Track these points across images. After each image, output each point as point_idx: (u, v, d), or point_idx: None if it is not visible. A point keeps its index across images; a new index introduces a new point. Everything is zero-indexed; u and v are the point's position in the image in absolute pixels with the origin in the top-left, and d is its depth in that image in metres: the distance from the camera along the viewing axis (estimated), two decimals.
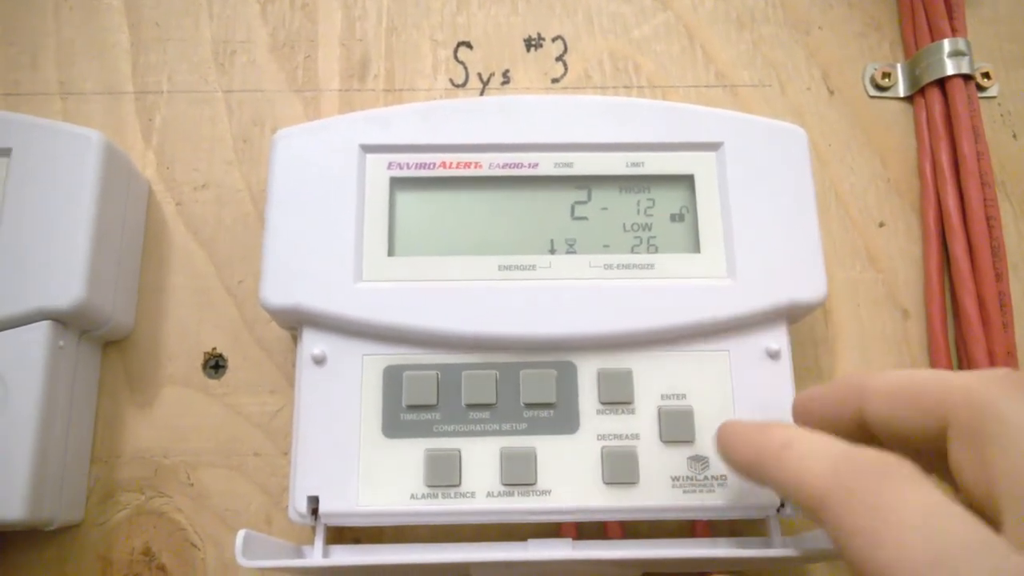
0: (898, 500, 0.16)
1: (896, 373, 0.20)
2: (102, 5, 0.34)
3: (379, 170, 0.28)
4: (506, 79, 0.34)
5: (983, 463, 0.17)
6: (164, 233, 0.31)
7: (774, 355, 0.26)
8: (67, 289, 0.26)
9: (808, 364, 0.30)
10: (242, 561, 0.20)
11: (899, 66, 0.34)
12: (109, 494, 0.28)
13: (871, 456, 0.18)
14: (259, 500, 0.29)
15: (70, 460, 0.27)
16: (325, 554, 0.25)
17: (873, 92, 0.34)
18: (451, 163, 0.28)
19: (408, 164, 0.28)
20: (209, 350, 0.30)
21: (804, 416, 0.22)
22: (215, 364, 0.30)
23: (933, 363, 0.30)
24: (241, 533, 0.20)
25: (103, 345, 0.30)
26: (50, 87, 0.33)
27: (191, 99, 0.33)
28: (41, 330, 0.26)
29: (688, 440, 0.25)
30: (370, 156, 0.28)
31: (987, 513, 0.17)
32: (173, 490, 0.29)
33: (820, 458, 0.18)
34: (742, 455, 0.21)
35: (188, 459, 0.29)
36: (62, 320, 0.26)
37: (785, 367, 0.26)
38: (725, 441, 0.23)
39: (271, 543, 0.23)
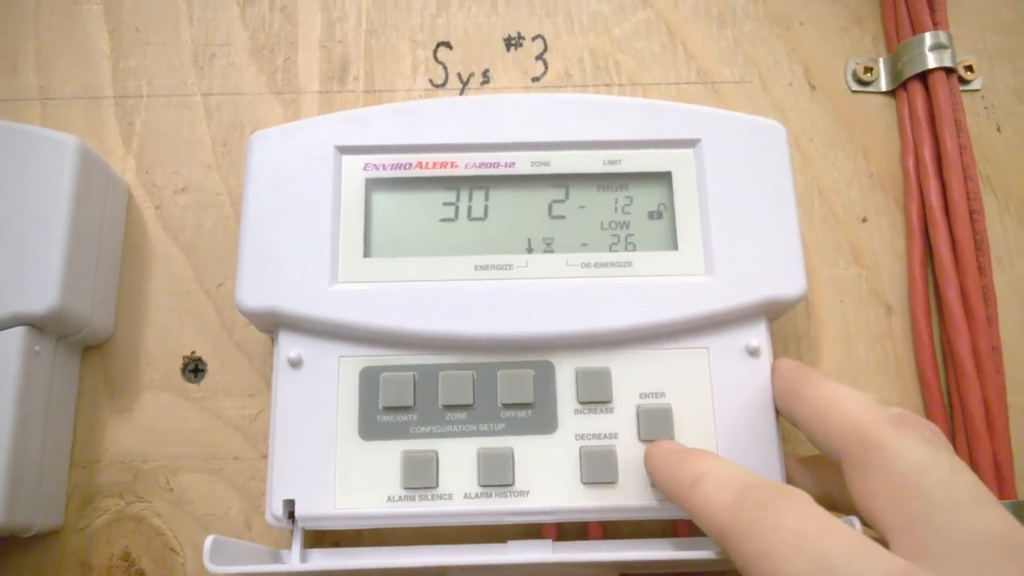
0: (788, 524, 0.18)
1: (823, 389, 0.22)
2: (82, 10, 0.34)
3: (355, 171, 0.28)
4: (486, 79, 0.34)
5: (867, 487, 0.19)
6: (144, 237, 0.31)
7: (754, 352, 0.26)
8: (42, 294, 0.26)
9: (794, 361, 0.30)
10: (210, 567, 0.20)
11: (881, 60, 0.34)
12: (88, 499, 0.28)
13: (766, 487, 0.20)
14: (239, 504, 0.28)
15: (48, 466, 0.27)
16: (303, 558, 0.25)
17: (855, 87, 0.34)
18: (427, 163, 0.28)
19: (384, 165, 0.28)
20: (188, 354, 0.30)
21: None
22: (194, 368, 0.30)
23: (918, 358, 0.30)
24: (209, 539, 0.20)
25: (82, 350, 0.30)
26: (30, 92, 0.33)
27: (171, 103, 0.33)
28: (16, 336, 0.26)
29: (667, 439, 0.25)
30: (346, 157, 0.28)
31: (878, 532, 0.19)
32: (153, 495, 0.28)
33: (723, 494, 0.20)
34: (661, 485, 0.24)
35: (168, 464, 0.29)
36: (37, 325, 0.26)
37: (765, 364, 0.26)
38: (648, 467, 0.24)
39: (245, 548, 0.23)
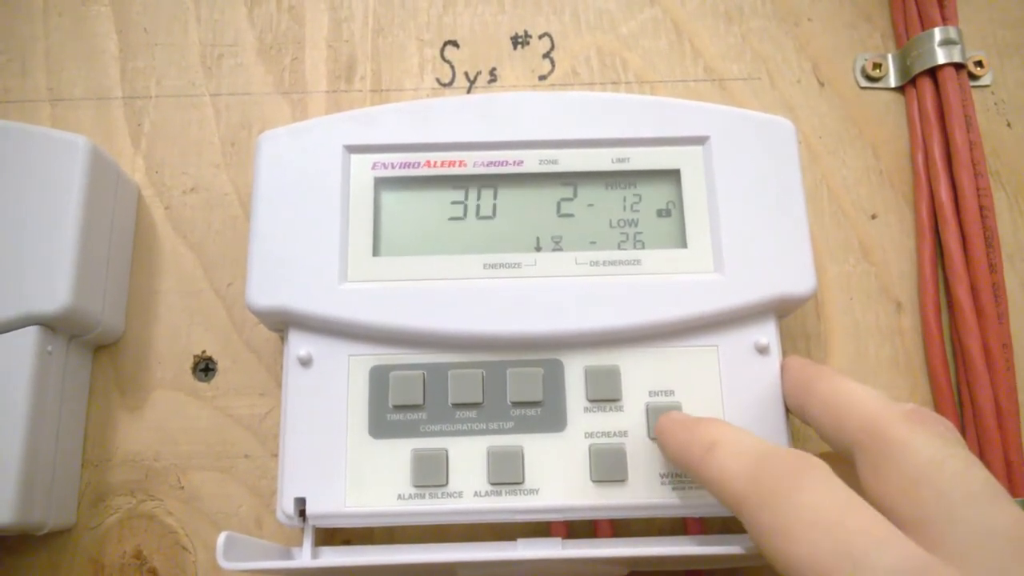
0: (808, 500, 0.18)
1: (835, 385, 0.22)
2: (91, 11, 0.34)
3: (364, 170, 0.28)
4: (493, 77, 0.34)
5: (881, 483, 0.19)
6: (153, 237, 0.32)
7: (763, 350, 0.26)
8: (54, 294, 0.26)
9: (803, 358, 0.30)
10: (223, 563, 0.20)
11: (890, 56, 0.34)
12: (100, 498, 0.29)
13: (786, 458, 0.19)
14: (249, 502, 0.29)
15: (61, 464, 0.27)
16: (314, 555, 0.25)
17: (864, 83, 0.34)
18: (436, 162, 0.28)
19: (393, 164, 0.28)
20: (199, 353, 0.30)
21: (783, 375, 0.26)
22: (205, 367, 0.30)
23: (928, 355, 0.30)
24: (222, 535, 0.20)
25: (93, 349, 0.30)
26: (39, 93, 0.33)
27: (179, 103, 0.33)
28: (29, 335, 0.26)
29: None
30: (355, 156, 0.28)
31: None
32: (164, 493, 0.29)
33: (740, 461, 0.20)
34: (672, 453, 0.23)
35: (179, 462, 0.29)
36: (50, 325, 0.26)
37: (774, 362, 0.26)
38: (659, 436, 0.24)
39: (257, 545, 0.23)
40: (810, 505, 0.18)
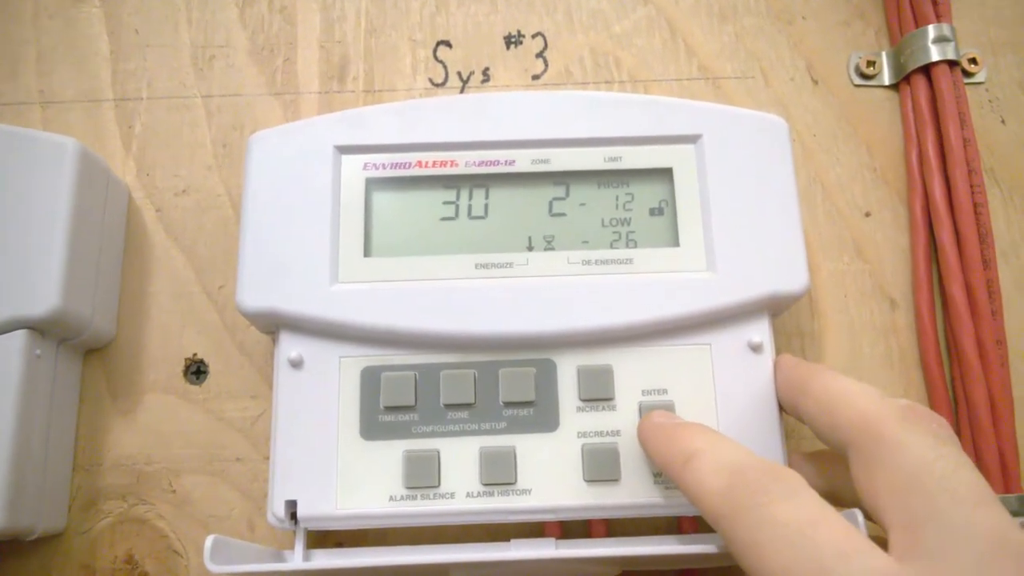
0: (779, 514, 0.18)
1: (829, 383, 0.22)
2: (81, 13, 0.34)
3: (355, 171, 0.27)
4: (486, 77, 0.34)
5: (872, 481, 0.19)
6: (144, 239, 0.31)
7: (756, 348, 0.26)
8: (42, 297, 0.26)
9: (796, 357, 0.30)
10: (211, 567, 0.20)
11: (884, 54, 0.33)
12: (91, 502, 0.28)
13: (758, 471, 0.19)
14: (241, 505, 0.28)
15: (51, 468, 0.27)
16: (305, 558, 0.25)
17: (858, 81, 0.33)
18: (427, 162, 0.28)
19: (384, 164, 0.28)
20: (190, 356, 0.30)
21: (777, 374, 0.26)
22: (196, 370, 0.30)
23: (922, 353, 0.30)
24: (209, 539, 0.20)
25: (84, 353, 0.30)
26: (30, 96, 0.33)
27: (171, 105, 0.33)
28: (17, 339, 0.26)
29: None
30: (345, 157, 0.28)
31: (880, 525, 0.19)
32: (155, 497, 0.28)
33: (716, 478, 0.20)
34: (653, 460, 0.23)
35: (170, 466, 0.29)
36: (38, 329, 0.26)
37: (768, 360, 0.26)
38: (641, 442, 0.24)
39: (246, 548, 0.23)
40: (781, 520, 0.18)
